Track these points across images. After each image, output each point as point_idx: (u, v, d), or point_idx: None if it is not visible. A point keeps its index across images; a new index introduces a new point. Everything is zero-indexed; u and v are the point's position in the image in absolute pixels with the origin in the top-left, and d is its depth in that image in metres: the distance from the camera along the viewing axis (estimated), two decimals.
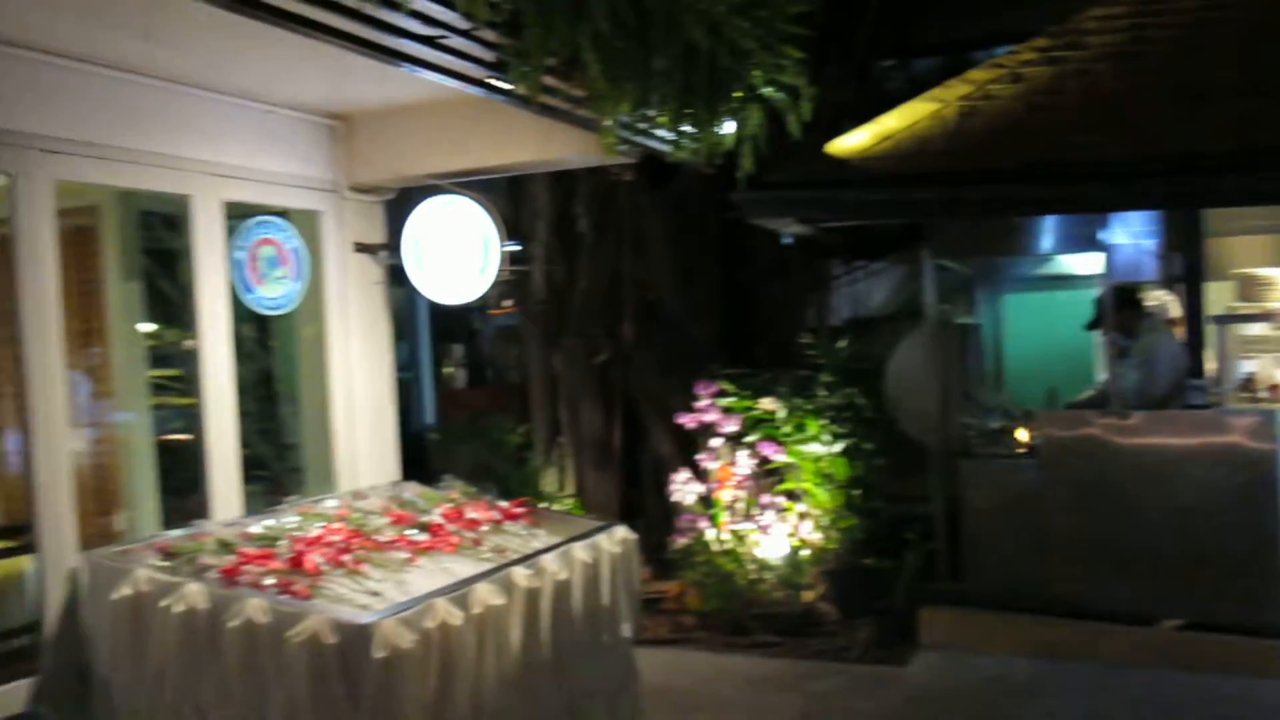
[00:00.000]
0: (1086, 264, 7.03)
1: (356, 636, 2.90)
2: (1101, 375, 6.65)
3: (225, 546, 3.50)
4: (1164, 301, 6.62)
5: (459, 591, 3.27)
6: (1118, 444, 5.98)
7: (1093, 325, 6.51)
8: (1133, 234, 6.42)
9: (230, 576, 3.25)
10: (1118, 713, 5.18)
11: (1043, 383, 7.03)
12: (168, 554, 3.42)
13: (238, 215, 4.54)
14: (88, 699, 3.51)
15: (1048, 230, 6.68)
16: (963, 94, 6.37)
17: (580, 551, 3.93)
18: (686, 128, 4.24)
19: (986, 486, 6.36)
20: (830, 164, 6.21)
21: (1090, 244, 6.36)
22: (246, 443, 4.79)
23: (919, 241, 6.69)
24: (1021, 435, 6.58)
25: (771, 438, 6.76)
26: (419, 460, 7.32)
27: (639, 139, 4.40)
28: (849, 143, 6.32)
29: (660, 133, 4.35)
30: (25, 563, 4.40)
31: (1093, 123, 5.85)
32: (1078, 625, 5.90)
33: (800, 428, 6.68)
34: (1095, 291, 6.44)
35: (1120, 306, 6.24)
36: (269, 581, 3.22)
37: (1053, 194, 5.77)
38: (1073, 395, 6.69)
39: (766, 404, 6.78)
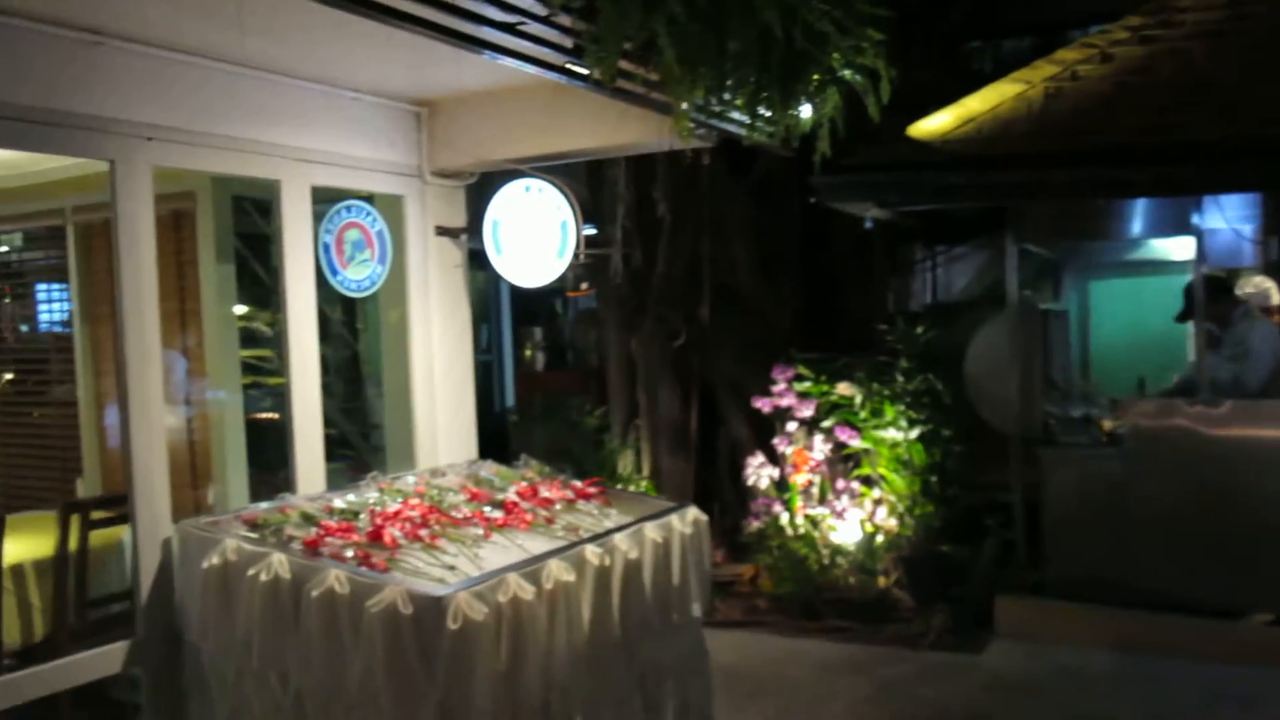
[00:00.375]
0: (1178, 249, 6.83)
1: (432, 608, 2.99)
2: (1191, 364, 6.46)
3: (308, 519, 3.63)
4: (1261, 289, 6.40)
5: (531, 567, 3.34)
6: (1207, 434, 5.82)
7: (1184, 317, 6.32)
8: (1228, 218, 6.20)
9: (312, 548, 3.37)
10: (1197, 708, 5.06)
11: (1130, 371, 6.86)
12: (254, 525, 3.57)
13: (325, 199, 4.66)
14: (179, 663, 3.68)
15: (1137, 214, 6.50)
16: (1049, 75, 6.23)
17: (652, 531, 3.98)
18: (762, 111, 4.22)
19: (1068, 475, 6.25)
20: (911, 147, 6.14)
21: (1183, 228, 6.18)
22: (330, 422, 4.93)
23: (1002, 226, 6.57)
24: (1106, 424, 6.45)
25: (848, 423, 6.73)
26: (498, 441, 7.44)
27: (714, 122, 4.39)
28: (930, 125, 6.23)
29: (736, 116, 4.34)
30: (122, 532, 4.61)
31: (1186, 102, 5.67)
32: (1159, 618, 5.77)
33: (877, 413, 6.63)
34: (1186, 278, 6.26)
35: (1213, 294, 6.05)
36: (349, 554, 3.33)
37: (1144, 176, 5.62)
38: (1161, 384, 6.52)
39: (843, 389, 6.75)
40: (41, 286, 6.01)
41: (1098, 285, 8.17)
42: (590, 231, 7.37)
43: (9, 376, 5.94)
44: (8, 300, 6.04)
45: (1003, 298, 6.61)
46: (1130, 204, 6.43)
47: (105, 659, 3.57)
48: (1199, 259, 6.05)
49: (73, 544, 4.45)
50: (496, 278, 10.67)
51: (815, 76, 4.01)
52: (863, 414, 6.69)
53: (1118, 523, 6.01)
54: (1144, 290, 7.72)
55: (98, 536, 4.55)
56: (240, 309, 5.67)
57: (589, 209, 7.16)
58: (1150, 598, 5.86)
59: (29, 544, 4.48)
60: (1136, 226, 6.65)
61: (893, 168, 6.15)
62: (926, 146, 6.08)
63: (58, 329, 5.89)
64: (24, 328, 6.12)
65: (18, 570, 4.34)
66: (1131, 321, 7.80)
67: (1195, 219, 6.02)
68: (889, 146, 6.07)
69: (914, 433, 6.54)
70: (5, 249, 6.13)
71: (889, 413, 6.58)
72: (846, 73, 4.05)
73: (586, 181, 7.68)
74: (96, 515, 4.53)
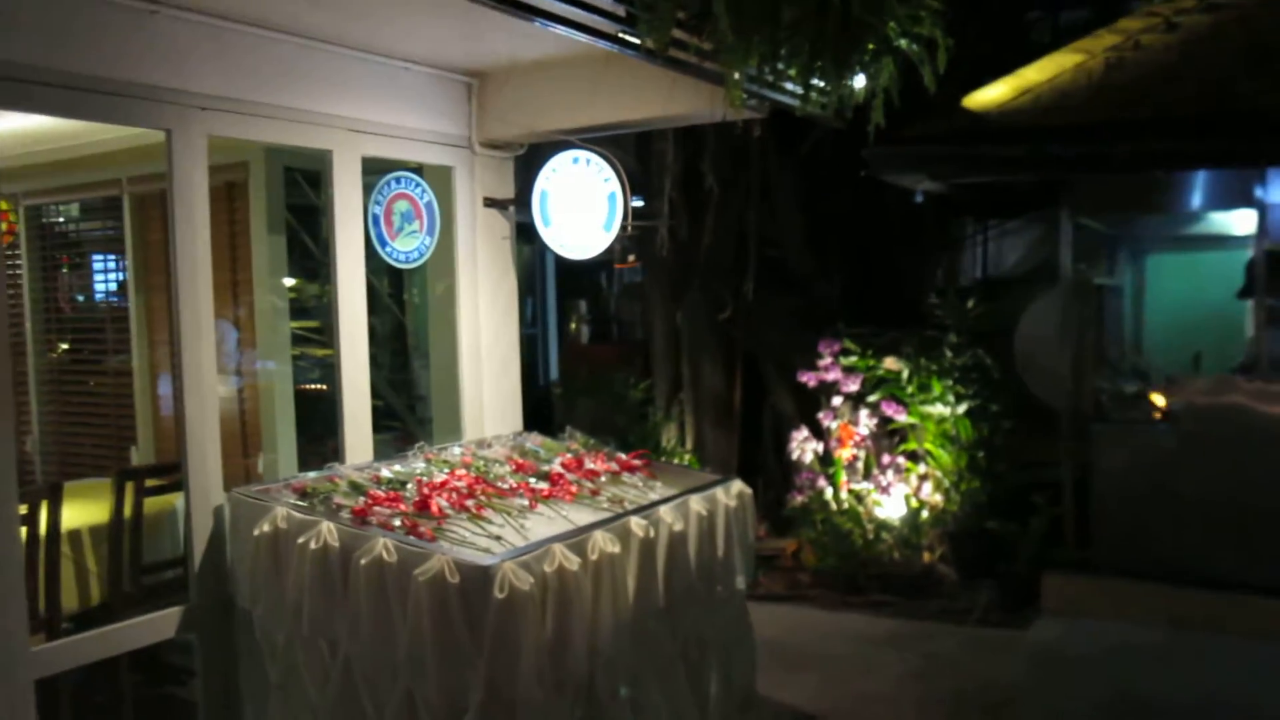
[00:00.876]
0: (1239, 223, 6.67)
1: (478, 577, 3.01)
2: (1251, 340, 6.32)
3: (356, 489, 3.66)
4: None
5: (576, 538, 3.35)
6: (1265, 412, 5.69)
7: (1245, 293, 6.18)
8: None
9: (361, 517, 3.40)
10: (1248, 686, 4.97)
11: (1186, 348, 6.74)
12: (304, 494, 3.61)
13: (374, 171, 4.68)
14: (231, 629, 3.75)
15: (1197, 187, 6.34)
16: (1111, 44, 6.07)
17: (696, 503, 3.98)
18: (816, 81, 4.16)
19: (1120, 451, 6.14)
20: (966, 118, 6.02)
21: (1245, 202, 6.02)
22: (378, 394, 4.97)
23: (1056, 199, 6.44)
24: (1160, 400, 6.33)
25: (894, 397, 6.68)
26: (543, 415, 7.48)
27: (767, 93, 4.34)
28: (986, 97, 6.11)
29: (789, 86, 4.29)
30: (175, 500, 4.69)
31: (1254, 71, 5.51)
32: (1210, 595, 5.66)
33: (925, 388, 6.58)
34: (1246, 254, 6.10)
35: (1275, 270, 5.90)
36: (396, 523, 3.36)
37: (1206, 148, 5.46)
38: (1218, 360, 6.39)
39: (890, 363, 6.70)
40: (98, 257, 6.10)
41: (1154, 260, 8.00)
42: (638, 204, 7.36)
43: (65, 347, 6.05)
44: (65, 270, 6.15)
45: (1055, 273, 6.50)
46: (1190, 176, 6.27)
47: (160, 624, 3.63)
48: (1260, 233, 5.90)
49: (127, 511, 4.54)
50: (542, 251, 10.77)
51: (871, 46, 3.94)
52: (910, 389, 6.63)
53: (1170, 500, 5.91)
54: (1201, 266, 7.55)
55: (151, 504, 4.64)
56: (290, 281, 5.72)
57: (637, 181, 7.13)
58: (1202, 575, 5.75)
59: (85, 511, 4.58)
60: (1196, 200, 6.49)
61: (947, 140, 6.03)
62: (982, 118, 5.96)
63: (113, 300, 5.99)
64: (80, 298, 6.22)
65: (75, 536, 4.43)
66: (1188, 298, 7.63)
67: (1258, 192, 5.86)
68: (944, 118, 5.96)
69: (962, 408, 6.48)
70: (63, 220, 6.23)
71: (936, 388, 6.52)
72: (903, 42, 3.97)
73: (635, 154, 7.65)
74: (150, 483, 4.61)
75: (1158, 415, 6.23)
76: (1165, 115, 5.48)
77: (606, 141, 4.91)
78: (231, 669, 3.75)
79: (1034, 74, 6.09)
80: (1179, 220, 7.35)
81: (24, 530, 3.68)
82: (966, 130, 6.00)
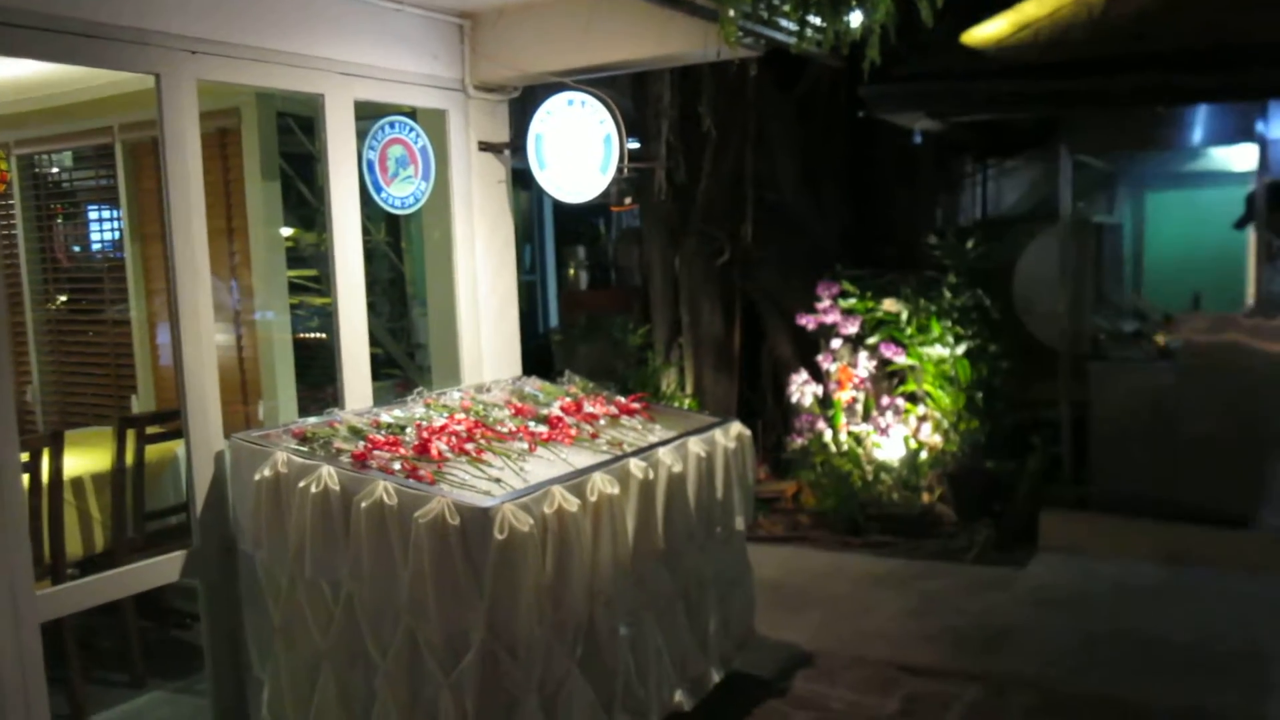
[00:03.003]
0: (1240, 159, 6.62)
1: (478, 518, 3.03)
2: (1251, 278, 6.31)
3: (356, 433, 3.68)
4: None
5: (576, 480, 3.37)
6: (1262, 349, 5.70)
7: (1242, 223, 6.15)
8: None
9: (361, 461, 3.42)
10: (1244, 620, 5.04)
11: (1186, 286, 6.73)
12: (304, 439, 3.62)
13: (367, 115, 4.64)
14: (234, 573, 3.78)
15: (1198, 122, 6.30)
16: None
17: (695, 445, 4.00)
18: (811, 18, 4.11)
19: (1117, 390, 6.17)
20: (964, 55, 5.97)
21: (1246, 136, 5.98)
22: (376, 341, 4.96)
23: (1056, 137, 6.40)
24: (1159, 338, 6.34)
25: (893, 339, 6.68)
26: (543, 361, 7.49)
27: (762, 30, 4.29)
28: (985, 32, 6.05)
29: (784, 23, 4.23)
30: (176, 447, 4.72)
31: (1256, 3, 5.44)
32: (1207, 531, 5.73)
33: (924, 329, 6.57)
34: (1247, 190, 6.07)
35: (1275, 203, 5.88)
36: (396, 466, 3.38)
37: (1208, 81, 5.42)
38: (1218, 299, 6.38)
39: (889, 305, 6.69)
40: (92, 207, 6.07)
41: (1154, 197, 7.97)
42: (634, 146, 7.30)
43: (63, 298, 6.04)
44: (60, 221, 6.12)
45: (1055, 211, 6.47)
46: (1190, 112, 6.23)
47: (163, 568, 3.67)
48: (1262, 167, 5.87)
49: (129, 458, 4.57)
50: (540, 198, 10.69)
51: None
52: (909, 330, 6.63)
53: (1167, 437, 5.95)
54: (1201, 202, 7.52)
55: (153, 451, 4.67)
56: (287, 231, 5.69)
57: (633, 124, 7.07)
58: (1198, 512, 5.81)
59: (87, 458, 4.61)
60: (1197, 135, 6.45)
61: (945, 76, 5.99)
62: (980, 54, 5.91)
63: (109, 249, 5.97)
64: (76, 248, 6.20)
65: (77, 483, 4.46)
66: (1188, 235, 7.61)
67: (1259, 126, 5.82)
68: (941, 55, 5.91)
69: (961, 349, 6.48)
70: (56, 170, 6.19)
71: (935, 329, 6.52)
72: None
73: (631, 96, 7.58)
74: (151, 430, 4.64)
75: (1156, 353, 6.25)
76: (1167, 49, 5.43)
77: (602, 84, 4.86)
78: (235, 612, 3.79)
79: (1033, 8, 6.02)
80: (1179, 157, 7.31)
81: (26, 478, 3.71)
82: (965, 66, 5.94)
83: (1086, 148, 6.47)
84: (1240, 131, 6.00)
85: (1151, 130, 6.52)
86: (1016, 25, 5.97)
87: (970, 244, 6.62)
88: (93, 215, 6.10)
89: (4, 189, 5.87)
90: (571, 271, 10.00)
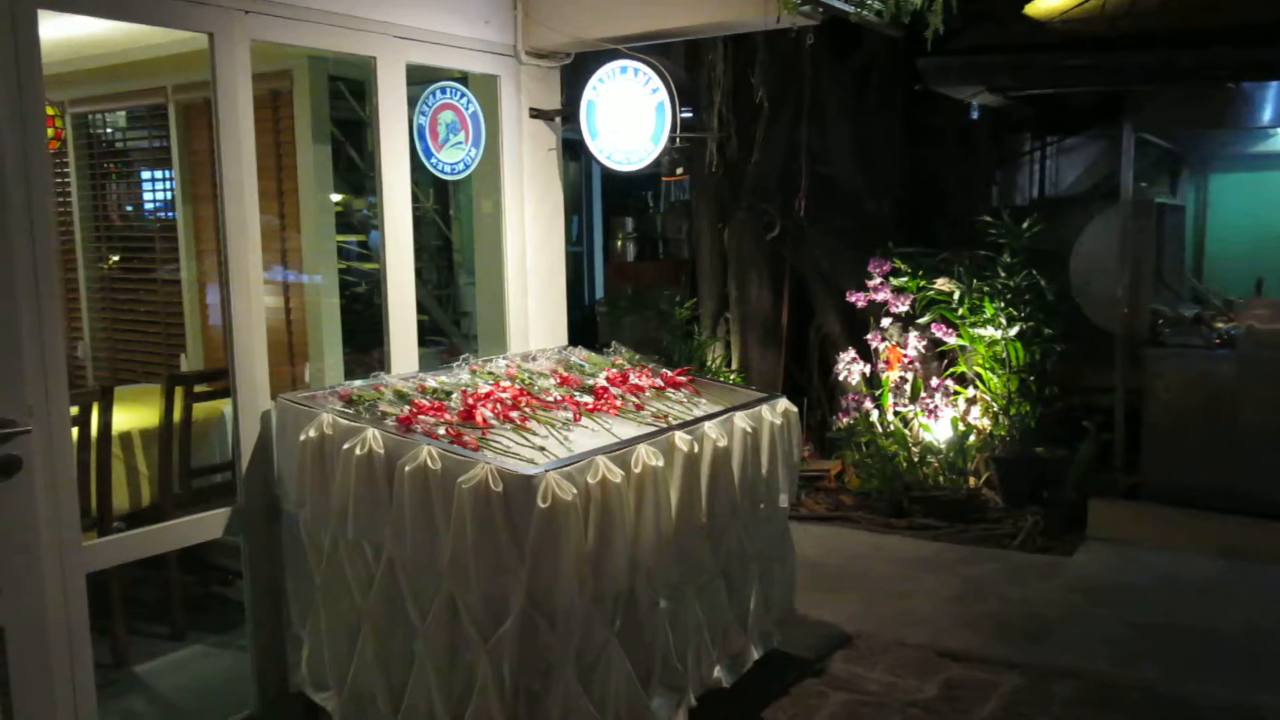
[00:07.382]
0: None
1: (522, 486, 3.01)
2: None
3: (402, 397, 3.67)
4: None
5: (620, 451, 3.33)
6: None
7: None
8: None
9: (406, 424, 3.41)
10: None
11: (1249, 271, 6.53)
12: (349, 401, 3.62)
13: (419, 80, 4.60)
14: (277, 532, 3.80)
15: (1269, 100, 6.08)
16: None
17: (741, 420, 3.95)
18: None
19: (1175, 377, 6.02)
20: (1027, 27, 5.81)
21: None
22: (423, 308, 4.95)
23: (1119, 114, 6.22)
24: (1219, 324, 6.17)
25: (945, 319, 6.56)
26: (588, 333, 7.46)
27: None
28: (1049, 4, 5.88)
29: None
30: (224, 405, 4.75)
31: None
32: (1261, 524, 5.59)
33: (976, 310, 6.45)
34: None
35: None
36: (441, 431, 3.36)
37: None
38: None
39: (941, 284, 6.57)
40: (145, 168, 6.11)
41: (1219, 179, 7.73)
42: (686, 115, 7.21)
43: (115, 258, 6.10)
44: (113, 180, 6.17)
45: (1115, 191, 6.30)
46: (1261, 89, 6.01)
47: (207, 525, 3.70)
48: None
49: (176, 415, 4.61)
50: (588, 169, 10.62)
51: None
52: (961, 310, 6.51)
53: (1224, 427, 5.80)
54: (1269, 186, 7.29)
55: (200, 409, 4.70)
56: (337, 196, 5.69)
57: (686, 93, 6.98)
58: (1253, 504, 5.67)
59: (136, 414, 4.65)
60: (1267, 114, 6.22)
61: (1006, 49, 5.83)
62: (1043, 27, 5.75)
63: (161, 209, 6.01)
64: (129, 208, 6.25)
65: (126, 439, 4.51)
66: (1253, 219, 7.39)
67: None
68: (1003, 26, 5.76)
69: (1013, 330, 6.36)
70: (109, 130, 6.23)
71: (988, 310, 6.40)
72: None
73: (685, 65, 7.49)
74: (199, 389, 4.67)
75: (1216, 340, 6.08)
76: (1239, 23, 5.24)
77: (655, 51, 4.79)
78: (277, 570, 3.81)
79: None
80: (1248, 137, 7.07)
81: (76, 431, 3.75)
82: (1027, 39, 5.79)
83: (1150, 126, 6.27)
84: None
85: (1220, 109, 6.30)
86: None
87: (1026, 223, 6.49)
88: (145, 175, 6.14)
89: (59, 146, 5.92)
90: (619, 243, 9.95)
